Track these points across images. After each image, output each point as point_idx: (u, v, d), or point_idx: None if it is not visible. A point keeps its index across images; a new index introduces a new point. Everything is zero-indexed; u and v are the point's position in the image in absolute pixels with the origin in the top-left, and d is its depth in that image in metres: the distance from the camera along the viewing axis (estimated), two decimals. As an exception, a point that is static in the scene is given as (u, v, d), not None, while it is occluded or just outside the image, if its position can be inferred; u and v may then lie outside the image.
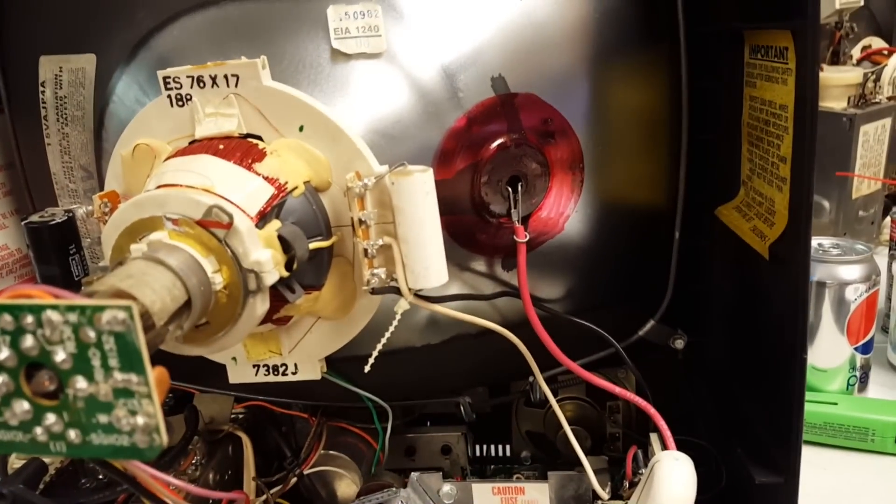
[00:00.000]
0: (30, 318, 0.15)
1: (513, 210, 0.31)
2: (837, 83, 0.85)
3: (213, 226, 0.21)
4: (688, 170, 0.37)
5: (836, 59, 0.98)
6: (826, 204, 0.82)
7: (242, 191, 0.23)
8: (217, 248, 0.21)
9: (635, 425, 0.43)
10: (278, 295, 0.24)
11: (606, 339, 0.35)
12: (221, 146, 0.25)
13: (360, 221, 0.25)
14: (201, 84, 0.25)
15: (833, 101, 0.84)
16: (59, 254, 0.27)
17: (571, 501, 0.34)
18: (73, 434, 0.16)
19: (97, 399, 0.15)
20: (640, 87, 0.36)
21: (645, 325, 0.38)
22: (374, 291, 0.26)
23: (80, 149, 0.34)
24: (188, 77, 0.26)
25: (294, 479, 0.36)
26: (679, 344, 0.41)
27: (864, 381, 0.57)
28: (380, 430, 0.36)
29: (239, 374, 0.29)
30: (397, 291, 0.26)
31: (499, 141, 0.31)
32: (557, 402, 0.42)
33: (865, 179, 0.86)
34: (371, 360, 0.28)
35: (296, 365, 0.29)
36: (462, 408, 0.39)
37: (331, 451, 0.39)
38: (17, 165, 0.40)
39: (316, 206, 0.26)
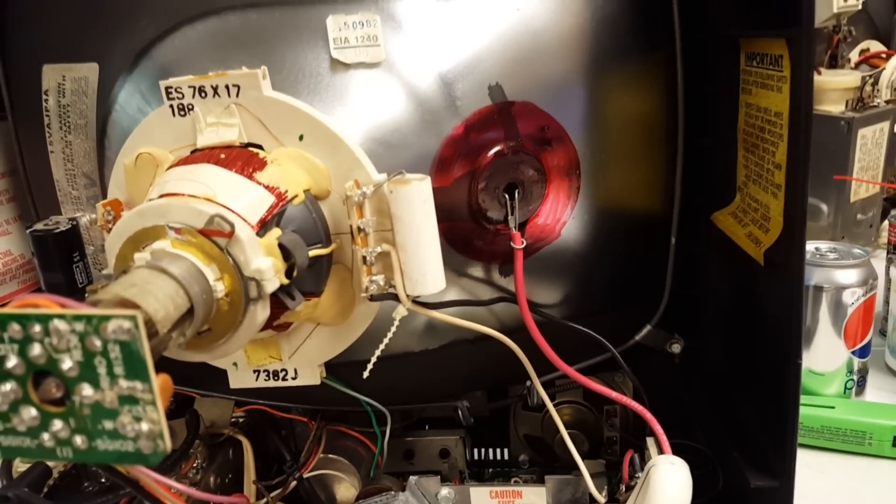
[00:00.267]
0: (37, 327, 0.16)
1: (510, 217, 0.31)
2: (835, 86, 0.85)
3: (214, 235, 0.21)
4: (684, 176, 0.37)
5: (835, 63, 0.98)
6: (824, 207, 0.83)
7: (243, 200, 0.23)
8: (219, 257, 0.21)
9: (632, 429, 0.43)
10: (278, 302, 0.24)
11: (603, 344, 0.35)
12: (223, 155, 0.25)
13: (359, 229, 0.26)
14: (203, 94, 0.26)
15: (831, 105, 0.84)
16: (63, 261, 0.28)
17: (564, 499, 0.35)
18: (79, 440, 0.16)
19: (103, 406, 0.16)
20: (636, 93, 0.36)
21: (642, 330, 0.39)
22: (372, 298, 0.26)
23: (82, 157, 0.35)
24: (190, 87, 0.26)
25: (294, 483, 0.36)
26: (676, 348, 0.41)
27: (861, 385, 0.57)
28: (378, 434, 0.36)
29: (240, 379, 0.30)
30: (395, 298, 0.26)
31: (496, 148, 0.32)
32: (555, 406, 0.43)
33: (863, 183, 0.87)
34: (370, 366, 0.28)
35: (296, 370, 0.29)
36: (460, 412, 0.39)
37: (330, 455, 0.39)
38: (20, 172, 0.40)
39: (315, 214, 0.26)
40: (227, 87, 0.26)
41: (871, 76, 0.85)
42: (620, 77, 0.35)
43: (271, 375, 0.29)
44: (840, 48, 0.96)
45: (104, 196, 0.31)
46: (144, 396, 0.16)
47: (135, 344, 0.15)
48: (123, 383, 0.16)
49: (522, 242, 0.31)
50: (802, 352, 0.59)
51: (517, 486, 0.35)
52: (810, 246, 0.57)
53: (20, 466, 0.32)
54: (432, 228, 0.26)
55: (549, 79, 0.33)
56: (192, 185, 0.23)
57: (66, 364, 0.16)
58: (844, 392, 0.56)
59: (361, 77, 0.31)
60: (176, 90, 0.26)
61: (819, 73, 0.84)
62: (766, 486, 0.33)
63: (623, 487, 0.33)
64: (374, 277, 0.26)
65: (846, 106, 0.84)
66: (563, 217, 0.34)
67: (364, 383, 0.35)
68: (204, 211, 0.22)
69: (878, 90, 0.87)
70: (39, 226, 0.28)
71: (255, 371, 0.29)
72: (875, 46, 1.01)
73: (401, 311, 0.26)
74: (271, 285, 0.22)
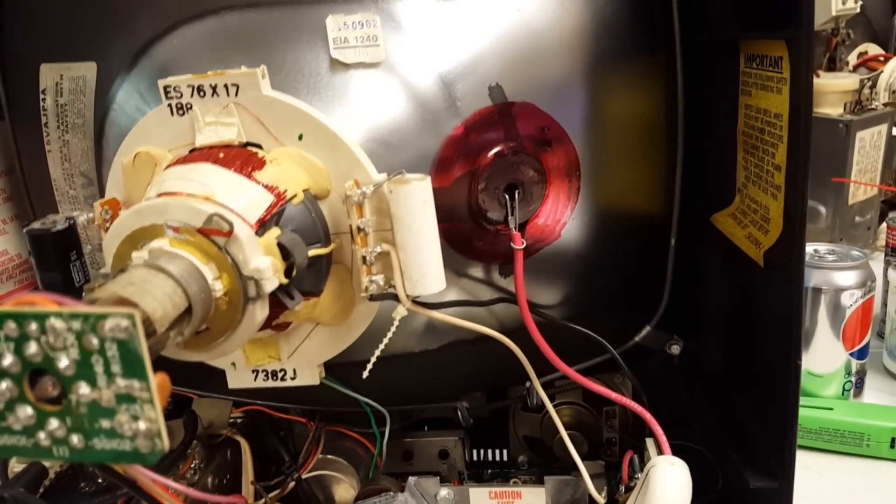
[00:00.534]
0: (34, 325, 0.15)
1: (510, 217, 0.31)
2: (834, 89, 0.85)
3: (213, 234, 0.21)
4: (683, 177, 0.37)
5: (833, 66, 0.99)
6: (822, 210, 0.83)
7: (242, 199, 0.23)
8: (217, 256, 0.21)
9: (631, 430, 0.43)
10: (277, 301, 0.24)
11: (602, 345, 0.35)
12: (221, 155, 0.25)
13: (359, 229, 0.25)
14: (201, 93, 0.26)
15: (829, 108, 0.85)
16: (60, 260, 0.28)
17: (564, 500, 0.34)
18: (75, 439, 0.16)
19: (100, 405, 0.16)
20: (636, 95, 0.36)
21: (641, 331, 0.39)
22: (372, 298, 0.26)
23: (80, 156, 0.35)
24: (188, 86, 0.26)
25: (292, 484, 0.36)
26: (675, 349, 0.41)
27: (859, 387, 0.57)
28: (377, 435, 0.36)
29: (238, 379, 0.30)
30: (395, 298, 0.26)
31: (496, 149, 0.32)
32: (554, 407, 0.42)
33: (862, 185, 0.87)
34: (369, 366, 0.28)
35: (294, 370, 0.29)
36: (459, 413, 0.39)
37: (328, 456, 0.39)
38: (17, 171, 0.40)
39: (315, 213, 0.26)
40: (225, 86, 0.26)
41: (869, 79, 0.86)
42: (620, 78, 0.35)
43: (270, 375, 0.29)
44: (838, 51, 0.96)
45: (102, 195, 0.31)
46: (142, 395, 0.15)
47: (132, 342, 0.15)
48: (121, 382, 0.15)
49: (522, 243, 0.31)
50: (803, 359, 0.59)
51: (517, 486, 0.35)
52: (809, 248, 0.57)
53: (16, 467, 0.32)
54: (432, 228, 0.26)
55: (549, 80, 0.33)
56: (191, 184, 0.23)
57: (63, 362, 0.16)
58: (843, 394, 0.56)
59: (361, 77, 0.31)
60: (174, 89, 0.26)
61: (817, 76, 0.84)
62: (765, 486, 0.33)
63: (622, 488, 0.33)
64: (373, 277, 0.26)
65: (844, 109, 0.84)
66: (563, 218, 0.34)
67: (363, 384, 0.35)
68: (202, 210, 0.22)
69: (876, 93, 0.87)
70: (36, 225, 0.28)
71: (253, 371, 0.29)
72: (873, 49, 1.02)
73: (400, 312, 0.26)
74: (270, 285, 0.22)
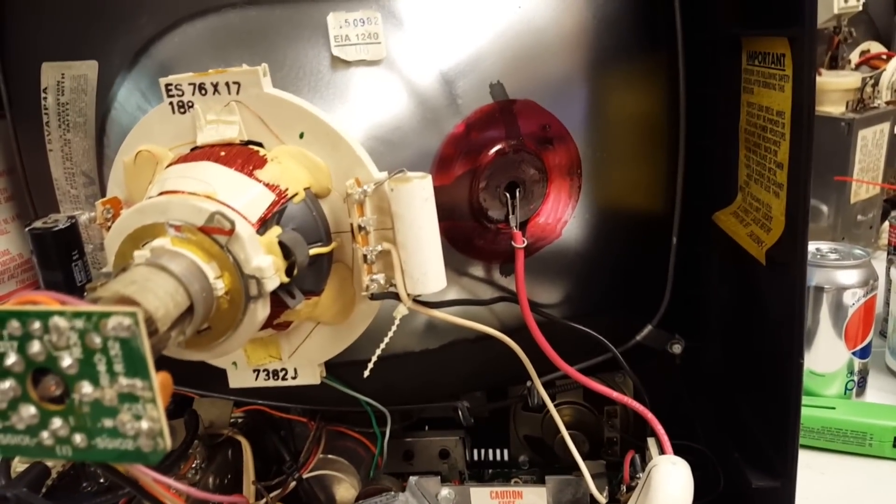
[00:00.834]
0: (37, 324, 0.15)
1: (511, 216, 0.31)
2: (836, 88, 0.85)
3: (215, 232, 0.21)
4: (685, 175, 0.37)
5: (835, 64, 0.98)
6: (824, 208, 0.83)
7: (244, 197, 0.23)
8: (219, 255, 0.21)
9: (633, 430, 0.43)
10: (279, 300, 0.24)
11: (604, 344, 0.35)
12: (223, 153, 0.25)
13: (360, 227, 0.25)
14: (203, 91, 0.26)
15: (831, 106, 0.84)
16: (62, 259, 0.28)
17: (565, 500, 0.34)
18: (78, 438, 0.16)
19: (102, 404, 0.16)
20: (638, 93, 0.36)
21: (642, 330, 0.38)
22: (373, 297, 0.26)
23: (81, 155, 0.35)
24: (190, 84, 0.26)
25: (293, 483, 0.36)
26: (677, 349, 0.41)
27: (861, 386, 0.57)
28: (378, 435, 0.36)
29: (239, 378, 0.30)
30: (396, 297, 0.26)
31: (497, 147, 0.31)
32: (555, 406, 0.42)
33: (864, 184, 0.87)
34: (370, 365, 0.28)
35: (295, 369, 0.29)
36: (460, 412, 0.39)
37: (329, 456, 0.39)
38: (18, 170, 0.40)
39: (316, 212, 0.26)
40: (227, 84, 0.26)
41: (871, 77, 0.86)
42: (622, 76, 0.35)
43: (271, 375, 0.29)
44: (840, 49, 0.96)
45: (103, 195, 0.31)
46: (144, 394, 0.15)
47: (135, 341, 0.15)
48: (123, 381, 0.15)
49: (523, 242, 0.31)
50: (806, 358, 0.59)
51: (518, 486, 0.35)
52: (811, 247, 0.57)
53: (18, 466, 0.32)
54: (433, 227, 0.26)
55: (550, 77, 0.33)
56: (192, 182, 0.23)
57: (66, 361, 0.16)
58: (845, 393, 0.56)
59: (362, 75, 0.30)
60: (176, 87, 0.26)
61: (819, 75, 0.84)
62: (767, 486, 0.33)
63: (624, 488, 0.33)
64: (374, 276, 0.26)
65: (846, 107, 0.84)
66: (564, 216, 0.34)
67: (364, 383, 0.35)
68: (204, 208, 0.22)
69: (878, 91, 0.87)
70: (38, 224, 0.28)
71: (254, 370, 0.29)
72: (875, 48, 1.01)
73: (401, 311, 0.26)
74: (271, 283, 0.22)
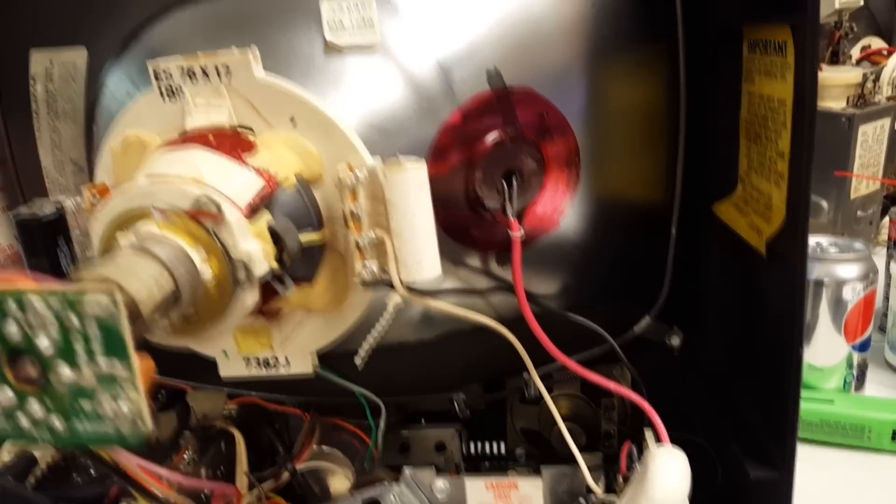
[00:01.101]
0: (12, 304, 0.15)
1: (507, 205, 0.31)
2: (836, 83, 0.85)
3: (202, 217, 0.21)
4: (685, 166, 0.37)
5: (836, 59, 0.98)
6: (824, 204, 0.82)
7: (232, 183, 0.23)
8: (206, 240, 0.21)
9: (630, 422, 0.43)
10: (269, 288, 0.24)
11: (601, 335, 0.35)
12: (212, 138, 0.25)
13: (352, 214, 0.25)
14: (192, 76, 0.25)
15: (832, 101, 0.84)
16: (47, 246, 0.27)
17: (565, 496, 0.34)
18: (57, 421, 0.15)
19: (81, 386, 0.15)
20: (637, 82, 0.36)
21: (641, 322, 0.38)
22: (365, 285, 0.26)
23: (70, 143, 0.34)
24: (179, 68, 0.25)
25: (286, 475, 0.36)
26: (675, 341, 0.41)
27: (861, 380, 0.57)
28: (373, 427, 0.36)
29: (230, 367, 0.29)
30: (389, 285, 0.25)
31: (494, 135, 0.31)
32: (552, 398, 0.42)
33: (864, 180, 0.86)
34: (362, 354, 0.28)
35: (287, 358, 0.29)
36: (456, 404, 0.39)
37: (324, 447, 0.38)
38: (8, 161, 0.39)
39: (307, 198, 0.26)
40: (216, 68, 0.25)
41: (872, 73, 0.85)
42: (621, 65, 0.35)
43: (262, 364, 0.29)
44: (841, 45, 0.95)
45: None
46: (124, 376, 0.15)
47: (113, 321, 0.15)
48: (102, 362, 0.15)
49: (520, 231, 0.31)
50: (804, 352, 0.58)
51: (513, 477, 0.35)
52: (811, 241, 0.57)
53: (5, 456, 0.31)
54: (428, 214, 0.25)
55: (548, 66, 0.33)
56: (180, 167, 0.23)
57: (43, 342, 0.15)
58: (844, 387, 0.55)
59: (356, 61, 0.30)
60: (164, 72, 0.26)
61: (820, 70, 0.84)
62: (766, 478, 0.32)
63: (620, 478, 0.33)
64: (367, 264, 0.25)
65: (847, 102, 0.84)
66: (561, 206, 0.33)
67: (359, 375, 0.35)
68: (190, 192, 0.21)
69: (879, 87, 0.86)
70: (23, 209, 0.27)
71: (245, 359, 0.29)
72: (876, 43, 1.01)
73: (395, 299, 0.26)
74: (260, 269, 0.22)
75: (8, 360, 0.15)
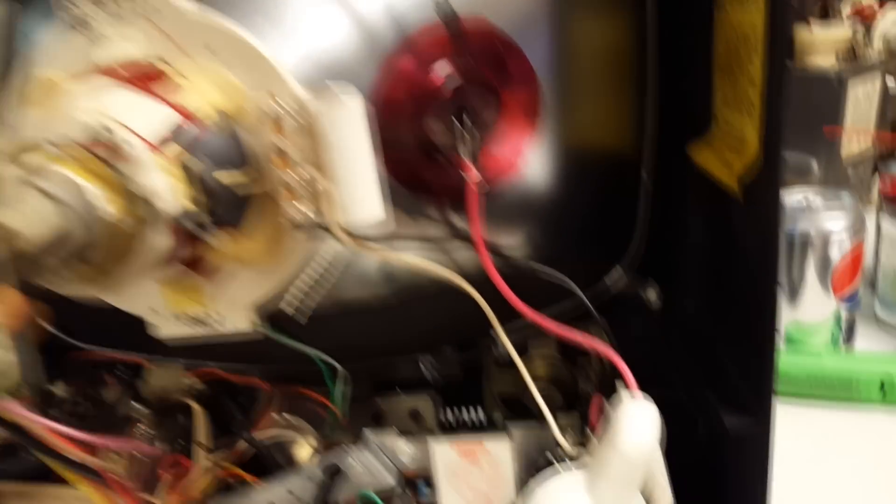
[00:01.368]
0: None
1: (462, 147, 0.29)
2: (826, 40, 0.82)
3: (98, 148, 0.19)
4: (656, 105, 0.35)
5: (826, 16, 0.95)
6: (814, 164, 0.80)
7: (137, 115, 0.21)
8: (105, 174, 0.19)
9: (609, 383, 0.41)
10: (188, 233, 0.22)
11: (568, 286, 0.33)
12: (122, 71, 0.22)
13: (281, 151, 0.23)
14: (100, 2, 0.23)
15: (821, 59, 0.81)
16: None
17: (535, 455, 0.32)
18: None
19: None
20: (603, 15, 0.33)
21: (612, 273, 0.36)
22: (298, 229, 0.23)
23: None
24: (87, -3, 0.23)
25: (243, 444, 0.34)
26: (652, 296, 0.39)
27: (849, 336, 0.56)
28: (331, 388, 0.34)
29: (161, 326, 0.27)
30: (325, 229, 0.23)
31: (443, 69, 0.29)
32: (527, 360, 0.40)
33: (855, 138, 0.84)
34: (294, 302, 0.26)
35: (222, 315, 0.27)
36: (424, 368, 0.37)
37: (289, 417, 0.37)
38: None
39: (230, 135, 0.23)
40: (128, -5, 0.23)
41: (862, 29, 0.82)
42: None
43: (195, 321, 0.27)
44: (831, 1, 0.92)
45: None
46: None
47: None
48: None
49: (477, 176, 0.28)
50: (789, 303, 0.57)
51: (480, 437, 0.33)
52: (797, 193, 0.55)
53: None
54: (365, 149, 0.23)
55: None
56: (82, 100, 0.21)
57: None
58: (832, 343, 0.54)
59: (291, -6, 0.28)
60: (70, 1, 0.23)
61: (809, 27, 0.81)
62: (744, 427, 0.31)
63: (590, 432, 0.31)
64: (299, 206, 0.23)
65: (837, 60, 0.81)
66: (521, 148, 0.31)
67: (317, 338, 0.33)
68: (88, 123, 0.19)
69: (869, 43, 0.84)
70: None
71: (176, 317, 0.27)
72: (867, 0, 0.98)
73: (333, 244, 0.24)
74: (167, 207, 0.20)
75: None
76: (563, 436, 0.31)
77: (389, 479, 0.32)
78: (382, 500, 0.32)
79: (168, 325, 0.27)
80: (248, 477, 0.33)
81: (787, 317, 0.53)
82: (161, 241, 0.20)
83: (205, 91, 0.23)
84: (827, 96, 0.77)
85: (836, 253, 0.51)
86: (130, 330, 0.31)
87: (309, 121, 0.23)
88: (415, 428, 0.41)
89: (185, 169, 0.21)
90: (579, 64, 0.32)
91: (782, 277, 0.53)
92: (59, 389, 0.35)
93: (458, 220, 0.30)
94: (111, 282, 0.20)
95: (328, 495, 0.32)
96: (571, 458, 0.31)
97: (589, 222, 0.34)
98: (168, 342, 0.28)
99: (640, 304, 0.39)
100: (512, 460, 0.33)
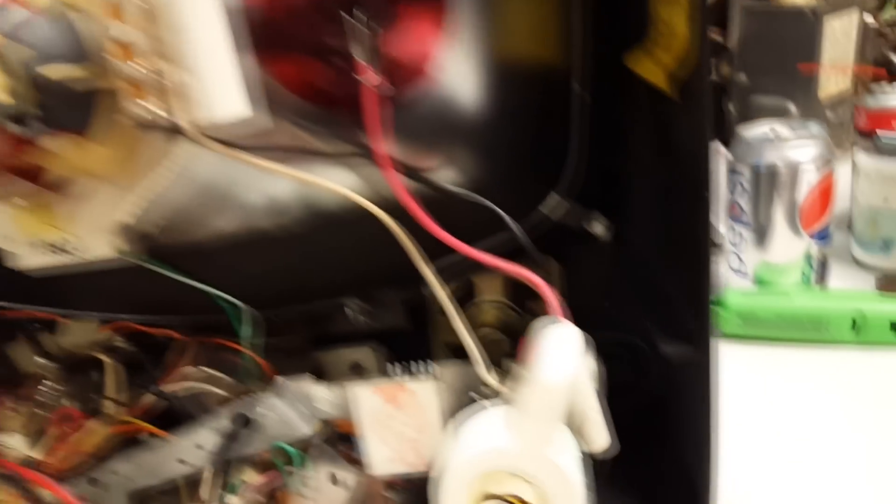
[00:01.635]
0: None
1: (356, 47, 0.25)
2: (800, -27, 0.78)
3: None
4: (584, 8, 0.31)
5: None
6: (791, 107, 0.77)
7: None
8: None
9: (558, 325, 0.39)
10: (14, 136, 0.19)
11: (498, 215, 0.30)
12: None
13: (122, 40, 0.20)
14: None
15: (796, -6, 0.77)
16: None
17: (462, 394, 0.30)
18: None
19: None
20: None
21: (547, 200, 0.33)
22: (148, 129, 0.21)
23: None
24: None
25: (153, 397, 0.31)
26: (598, 228, 0.36)
27: (822, 275, 0.53)
28: (237, 329, 0.31)
29: (21, 255, 0.25)
30: (177, 129, 0.20)
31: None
32: (475, 304, 0.38)
33: (833, 78, 0.80)
34: (131, 208, 0.23)
35: (82, 239, 0.24)
36: (351, 312, 0.34)
37: (204, 369, 0.34)
38: None
39: (64, 23, 0.20)
40: None
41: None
42: None
43: (54, 248, 0.24)
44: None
45: None
46: None
47: None
48: None
49: (375, 79, 0.25)
50: (757, 243, 0.54)
51: (404, 380, 0.30)
52: (764, 125, 0.52)
53: None
54: (220, 35, 0.20)
55: None
56: None
57: None
58: (804, 281, 0.51)
59: None
60: None
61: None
62: (687, 359, 0.29)
63: (515, 365, 0.29)
64: (146, 103, 0.20)
65: (811, -9, 0.77)
66: (428, 50, 0.28)
67: (217, 275, 0.30)
68: None
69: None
70: None
71: (32, 244, 0.24)
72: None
73: (185, 145, 0.21)
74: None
75: None
76: (490, 373, 0.29)
77: (305, 429, 0.30)
78: (299, 451, 0.30)
79: (27, 254, 0.24)
80: (154, 430, 0.31)
81: (756, 257, 0.51)
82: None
83: (28, -29, 0.20)
84: (803, 33, 0.74)
85: (805, 185, 0.48)
86: (45, 285, 0.29)
87: (153, 3, 0.20)
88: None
89: (2, 57, 0.18)
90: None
91: (749, 216, 0.50)
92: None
93: (358, 132, 0.27)
94: None
95: (237, 447, 0.29)
96: (499, 396, 0.28)
97: (517, 141, 0.31)
98: (31, 273, 0.26)
99: (590, 239, 0.37)
100: (438, 403, 0.30)
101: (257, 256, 0.29)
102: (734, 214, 0.51)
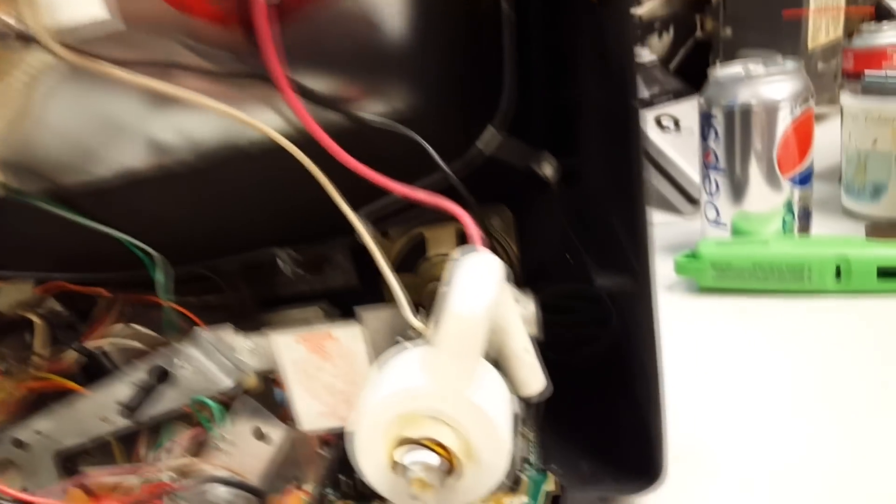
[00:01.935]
0: None
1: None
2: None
3: None
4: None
5: None
6: (779, 58, 0.74)
7: None
8: None
9: (518, 280, 0.37)
10: None
11: (423, 147, 0.28)
12: None
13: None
14: None
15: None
16: None
17: (388, 339, 0.28)
18: None
19: None
20: None
21: (484, 135, 0.31)
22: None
23: None
24: None
25: (73, 353, 0.30)
26: (548, 170, 0.34)
27: (804, 221, 0.50)
28: (152, 275, 0.29)
29: None
30: (25, 37, 0.19)
31: None
32: (430, 261, 0.36)
33: (822, 26, 0.77)
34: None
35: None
36: (281, 263, 0.32)
37: (135, 326, 0.33)
38: None
39: None
40: None
41: None
42: None
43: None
44: None
45: None
46: None
47: None
48: None
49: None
50: (733, 194, 0.51)
51: (327, 326, 0.29)
52: (737, 65, 0.49)
53: None
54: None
55: None
56: None
57: None
58: (784, 229, 0.49)
59: None
60: None
61: None
62: (627, 290, 0.26)
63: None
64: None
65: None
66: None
67: (124, 218, 0.28)
68: None
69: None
70: None
71: None
72: None
73: (36, 54, 0.19)
74: None
75: None
76: (417, 317, 0.27)
77: (226, 382, 0.28)
78: (220, 404, 0.28)
79: None
80: (72, 386, 0.29)
81: (733, 207, 0.48)
82: None
83: None
84: (787, -25, 0.70)
85: (781, 125, 0.45)
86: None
87: None
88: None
89: None
90: None
91: (724, 162, 0.48)
92: None
93: (253, 51, 0.24)
94: None
95: (153, 401, 0.28)
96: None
97: (444, 68, 0.29)
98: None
99: (543, 186, 0.34)
100: (366, 350, 0.28)
101: (166, 198, 0.28)
102: (708, 162, 0.48)
